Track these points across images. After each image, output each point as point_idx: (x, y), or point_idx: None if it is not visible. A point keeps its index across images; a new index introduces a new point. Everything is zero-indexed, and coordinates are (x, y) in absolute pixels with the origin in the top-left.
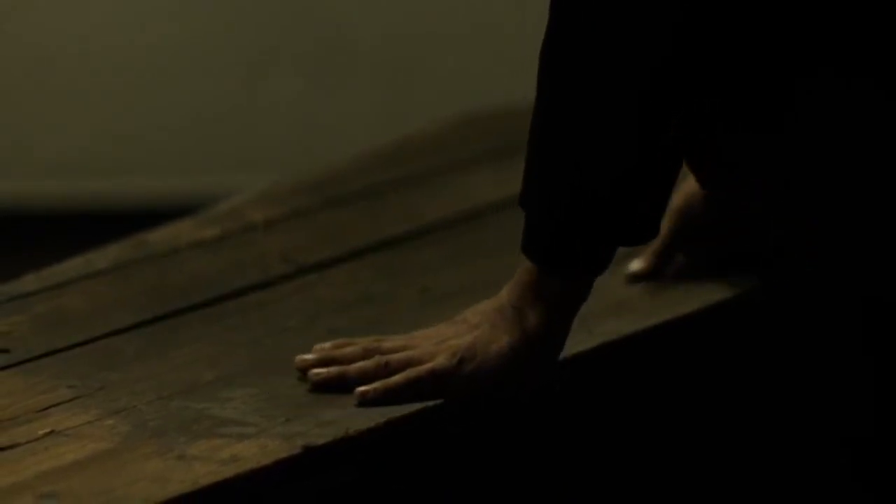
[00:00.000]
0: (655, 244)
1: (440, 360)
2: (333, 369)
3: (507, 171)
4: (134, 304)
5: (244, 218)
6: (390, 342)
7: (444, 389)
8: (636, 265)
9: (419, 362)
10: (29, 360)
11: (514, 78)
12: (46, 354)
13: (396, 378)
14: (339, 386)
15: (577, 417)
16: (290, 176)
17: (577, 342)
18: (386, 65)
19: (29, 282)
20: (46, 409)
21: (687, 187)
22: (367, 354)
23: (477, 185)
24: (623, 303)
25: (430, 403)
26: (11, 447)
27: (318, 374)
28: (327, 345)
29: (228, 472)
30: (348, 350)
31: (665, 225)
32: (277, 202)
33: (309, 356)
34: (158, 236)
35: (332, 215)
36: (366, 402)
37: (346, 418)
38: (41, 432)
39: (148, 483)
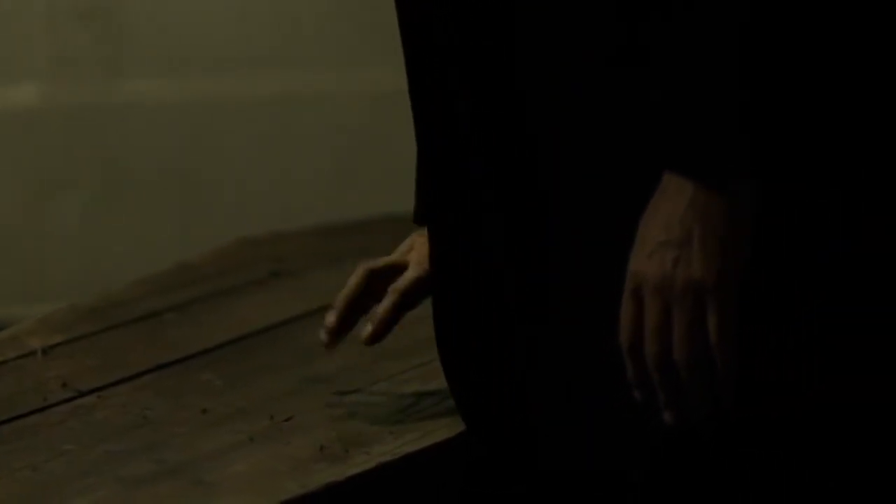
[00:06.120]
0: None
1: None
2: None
3: (279, 293)
4: None
5: (23, 345)
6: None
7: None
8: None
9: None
10: None
11: (287, 205)
12: None
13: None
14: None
15: None
16: (69, 303)
17: (355, 464)
18: (167, 191)
19: None
20: None
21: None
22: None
23: (251, 307)
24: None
25: None
26: None
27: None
28: None
29: None
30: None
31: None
32: (56, 329)
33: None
34: None
35: (110, 340)
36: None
37: None
38: None
39: None
